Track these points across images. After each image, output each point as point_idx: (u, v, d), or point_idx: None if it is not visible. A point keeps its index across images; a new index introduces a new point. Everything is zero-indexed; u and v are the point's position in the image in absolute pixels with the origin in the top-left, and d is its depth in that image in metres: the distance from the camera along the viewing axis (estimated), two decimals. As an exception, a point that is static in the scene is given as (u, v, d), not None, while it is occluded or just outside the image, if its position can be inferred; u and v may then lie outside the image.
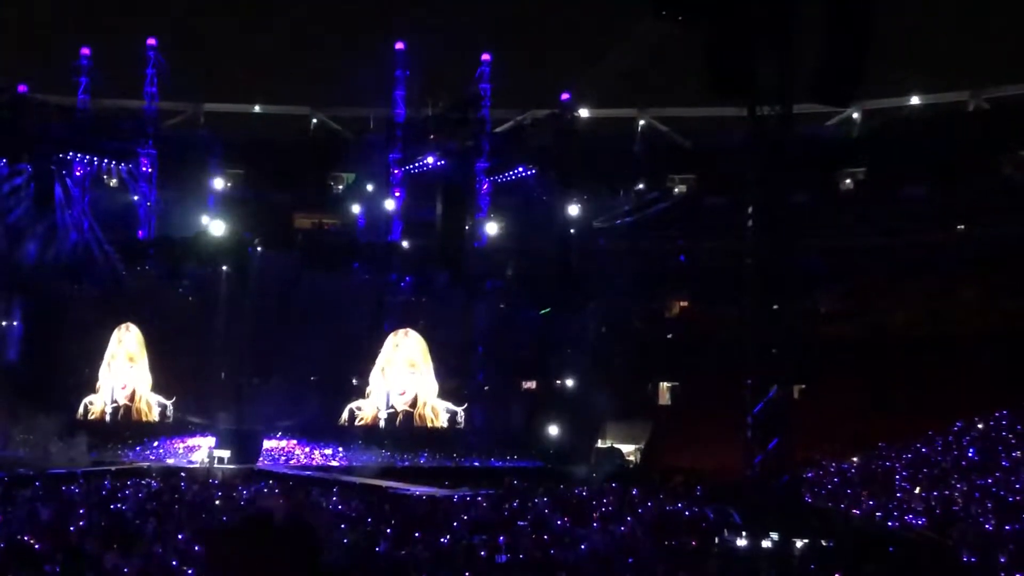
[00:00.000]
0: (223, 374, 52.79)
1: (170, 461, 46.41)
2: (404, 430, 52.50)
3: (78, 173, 58.64)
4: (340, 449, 49.55)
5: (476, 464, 47.84)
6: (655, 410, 53.32)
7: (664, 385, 56.09)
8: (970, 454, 34.09)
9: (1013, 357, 40.87)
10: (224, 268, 55.36)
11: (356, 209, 62.07)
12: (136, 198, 59.77)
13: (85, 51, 59.77)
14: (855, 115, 62.75)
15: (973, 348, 42.59)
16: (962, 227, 54.45)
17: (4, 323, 53.52)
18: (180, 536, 22.64)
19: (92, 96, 60.31)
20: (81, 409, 53.81)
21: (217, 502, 30.48)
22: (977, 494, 28.81)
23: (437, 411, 53.15)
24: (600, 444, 50.90)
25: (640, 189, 63.20)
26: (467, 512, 30.21)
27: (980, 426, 36.80)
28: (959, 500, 28.91)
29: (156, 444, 49.88)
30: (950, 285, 49.54)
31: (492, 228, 61.95)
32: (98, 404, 54.32)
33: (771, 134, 25.68)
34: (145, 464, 45.00)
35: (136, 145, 59.09)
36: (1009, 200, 52.56)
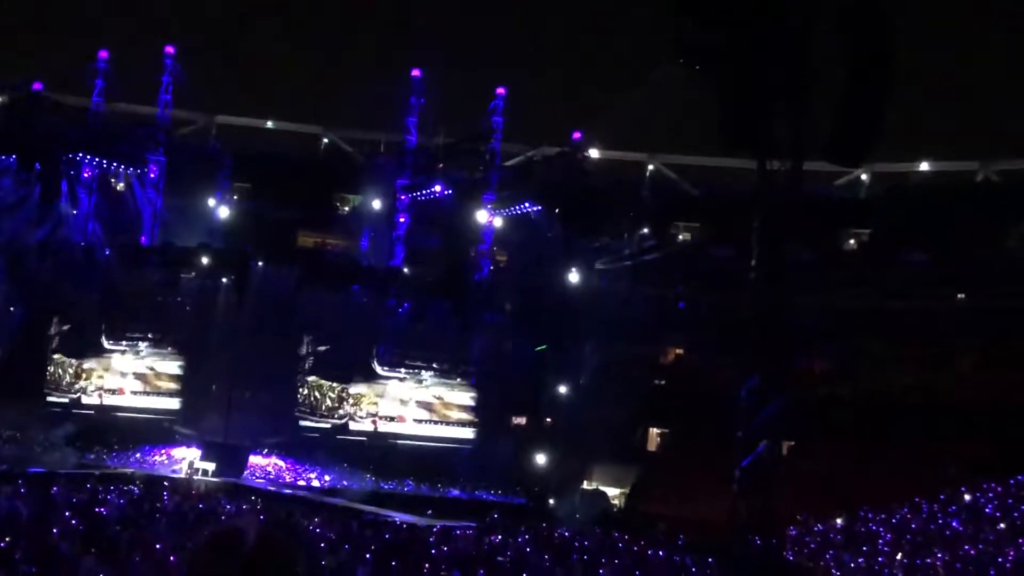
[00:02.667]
0: (214, 386, 52.70)
1: (155, 468, 46.28)
2: (391, 454, 52.45)
3: (86, 175, 58.71)
4: (325, 471, 49.39)
5: (460, 496, 47.71)
6: (643, 455, 53.22)
7: (654, 431, 56.02)
8: (954, 524, 34.01)
9: (1006, 429, 40.84)
10: (224, 280, 55.44)
11: (360, 232, 62.12)
12: (142, 204, 59.81)
13: (103, 54, 59.92)
14: (864, 177, 62.90)
15: (966, 418, 42.57)
16: (962, 296, 54.50)
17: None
18: (158, 547, 22.56)
19: (106, 99, 60.48)
20: (67, 409, 53.52)
21: (197, 516, 30.35)
22: (959, 565, 28.73)
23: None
24: (586, 485, 50.80)
25: (644, 234, 63.32)
26: (447, 543, 30.11)
27: (967, 497, 36.73)
28: (940, 570, 28.83)
29: (141, 451, 49.65)
30: (947, 353, 49.56)
31: (494, 261, 62.02)
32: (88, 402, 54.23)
33: (779, 189, 25.79)
34: (129, 470, 44.86)
35: (146, 151, 59.19)
36: (1011, 273, 52.61)
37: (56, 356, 54.16)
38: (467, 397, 54.80)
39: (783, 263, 26.51)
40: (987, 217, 54.68)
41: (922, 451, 40.78)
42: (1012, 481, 36.52)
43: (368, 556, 25.04)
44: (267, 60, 79.64)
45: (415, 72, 61.09)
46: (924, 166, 63.20)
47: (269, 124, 68.43)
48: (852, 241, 61.61)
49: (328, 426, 54.20)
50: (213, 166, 60.05)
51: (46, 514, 26.38)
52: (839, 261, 58.60)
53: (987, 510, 34.86)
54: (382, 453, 52.47)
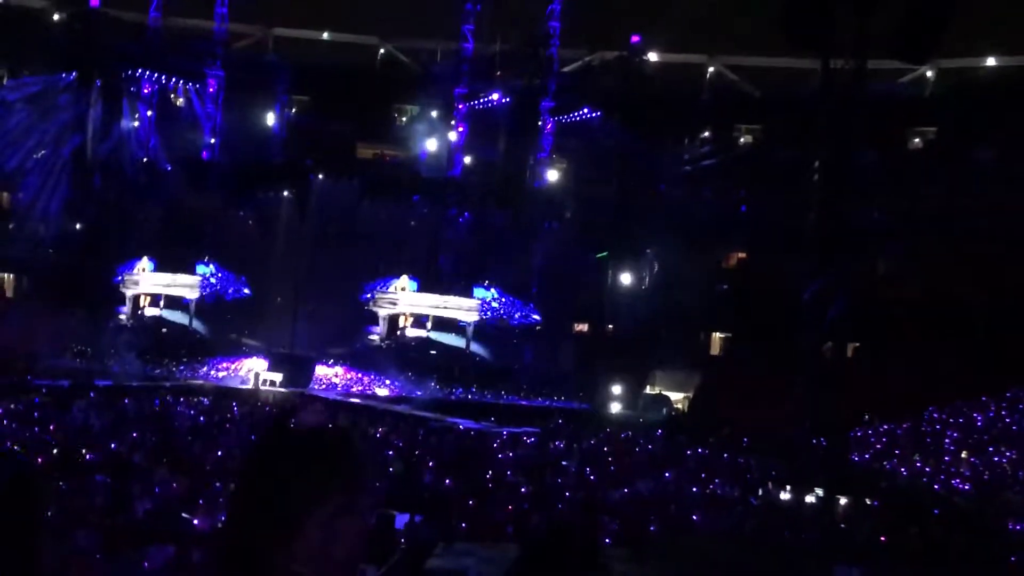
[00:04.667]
0: (279, 299, 53.28)
1: (224, 380, 47.07)
2: (454, 362, 53.05)
3: (146, 91, 59.02)
4: (390, 379, 49.90)
5: (524, 403, 48.05)
6: (706, 360, 53.20)
7: (716, 335, 55.93)
8: (1021, 422, 33.78)
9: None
10: (285, 193, 55.78)
11: (418, 142, 62.02)
12: (202, 119, 60.06)
13: (158, -31, 59.91)
14: (929, 74, 61.59)
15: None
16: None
17: (64, 231, 54.13)
18: (228, 454, 22.98)
19: (163, 15, 60.54)
20: (135, 323, 54.40)
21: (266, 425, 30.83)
22: (1027, 463, 28.59)
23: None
24: (649, 390, 50.96)
25: (704, 137, 62.60)
26: (513, 450, 30.43)
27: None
28: (1007, 467, 28.70)
29: (209, 363, 50.44)
30: (1014, 251, 48.78)
31: (554, 169, 61.76)
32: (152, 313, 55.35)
33: (843, 88, 25.28)
34: (199, 382, 45.65)
35: (204, 66, 59.31)
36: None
37: (123, 274, 55.03)
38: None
39: (848, 164, 26.08)
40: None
41: (987, 350, 40.39)
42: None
43: (434, 463, 25.37)
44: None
45: (471, -22, 60.41)
46: (991, 61, 61.71)
47: (325, 36, 68.11)
48: (918, 140, 60.50)
49: (388, 335, 55.08)
50: (271, 79, 60.04)
51: (118, 426, 26.96)
52: (905, 160, 57.62)
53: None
54: (446, 360, 52.94)
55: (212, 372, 49.25)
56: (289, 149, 60.42)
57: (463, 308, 55.09)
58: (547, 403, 48.16)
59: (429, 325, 55.46)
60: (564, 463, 28.02)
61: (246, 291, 54.51)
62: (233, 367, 49.70)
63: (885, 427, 36.91)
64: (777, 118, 56.69)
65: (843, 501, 23.94)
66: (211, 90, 59.55)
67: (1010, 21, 61.32)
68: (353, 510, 2.46)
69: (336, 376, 50.26)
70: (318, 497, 2.41)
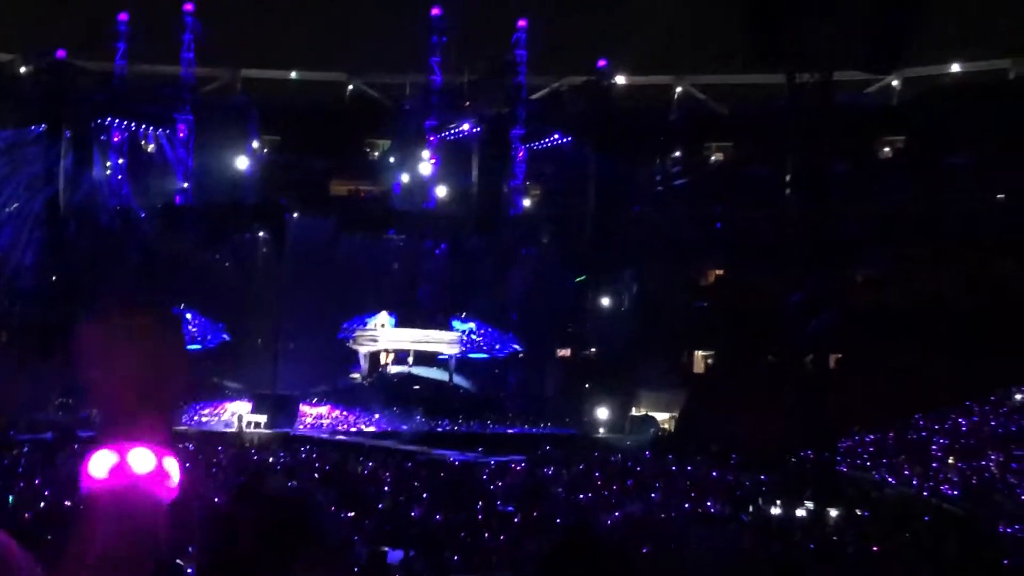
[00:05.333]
0: (259, 340, 53.09)
1: (207, 424, 46.79)
2: (438, 395, 52.89)
3: (116, 139, 58.95)
4: (375, 415, 49.73)
5: (510, 431, 47.94)
6: (690, 378, 53.26)
7: (699, 354, 56.01)
8: (1008, 425, 33.89)
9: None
10: (260, 234, 55.71)
11: (392, 176, 62.09)
12: (173, 164, 59.98)
13: (122, 16, 59.90)
14: (895, 83, 62.09)
15: (1012, 318, 42.20)
16: (1002, 196, 53.90)
17: (40, 282, 53.80)
18: (216, 500, 22.85)
19: (129, 62, 60.53)
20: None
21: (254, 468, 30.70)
22: (1014, 464, 28.66)
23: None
24: (634, 412, 50.97)
25: (676, 157, 62.88)
26: (502, 479, 30.35)
27: (1018, 396, 36.57)
28: (995, 471, 28.78)
29: (192, 408, 50.07)
30: (989, 255, 49.08)
31: (528, 196, 61.90)
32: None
33: (810, 101, 25.48)
34: (182, 427, 45.37)
35: (173, 111, 59.30)
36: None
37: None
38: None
39: (819, 175, 26.24)
40: (1021, 114, 53.82)
41: (971, 354, 40.54)
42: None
43: (424, 496, 25.28)
44: (287, 9, 79.26)
45: (435, 11, 60.67)
46: (955, 67, 62.28)
47: (293, 75, 68.31)
48: (887, 148, 60.91)
49: (370, 372, 55.06)
50: (241, 121, 60.04)
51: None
52: (876, 169, 58.00)
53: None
54: (430, 393, 52.81)
55: (195, 417, 48.91)
56: (263, 189, 60.39)
57: (444, 341, 55.05)
58: (534, 430, 48.07)
59: (411, 360, 55.36)
60: (554, 489, 27.97)
61: (225, 337, 54.28)
62: (216, 411, 49.40)
63: (871, 436, 36.98)
64: (747, 134, 57.04)
65: (833, 513, 23.97)
66: (181, 135, 59.53)
67: (972, 27, 61.99)
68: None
69: (321, 414, 50.04)
70: (282, 567, 2.38)
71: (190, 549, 17.06)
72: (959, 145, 54.50)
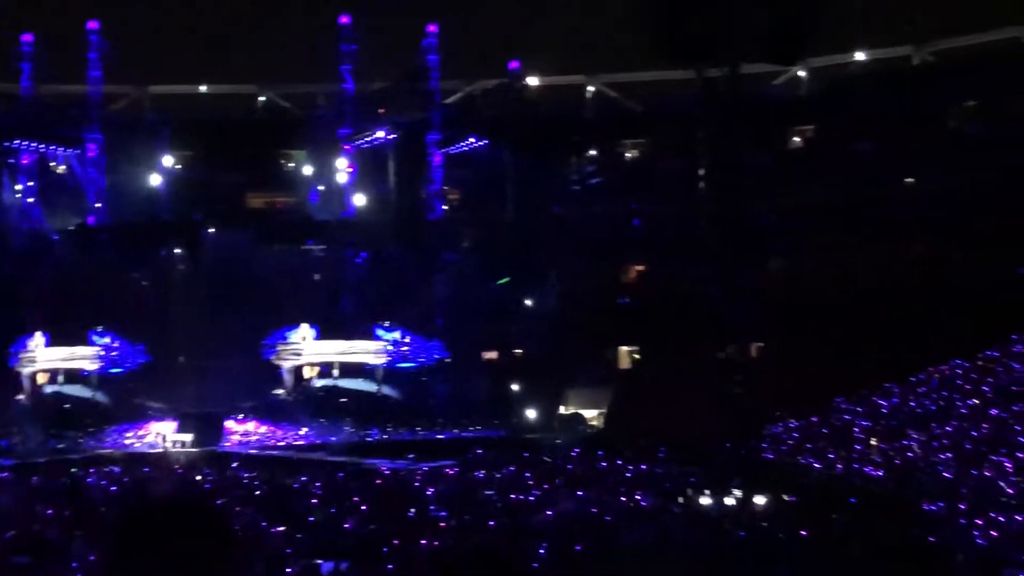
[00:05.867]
0: (181, 358, 52.50)
1: (132, 446, 46.19)
2: (366, 405, 52.65)
3: (25, 161, 57.97)
4: (305, 427, 49.42)
5: (440, 437, 47.90)
6: (616, 375, 53.56)
7: (624, 349, 56.35)
8: (927, 404, 34.53)
9: (965, 308, 41.33)
10: (177, 250, 55.08)
11: (308, 187, 61.71)
12: (84, 184, 59.11)
13: (27, 37, 58.88)
14: (802, 73, 62.96)
15: (927, 301, 43.02)
16: (911, 181, 54.91)
17: None
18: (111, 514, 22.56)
19: (35, 83, 59.50)
20: (35, 399, 53.11)
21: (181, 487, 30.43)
22: (935, 443, 29.22)
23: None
24: (563, 411, 51.15)
25: (592, 156, 63.23)
26: (434, 485, 30.34)
27: (936, 377, 37.28)
28: (918, 451, 29.32)
29: (116, 430, 49.40)
30: (902, 239, 49.98)
31: (447, 200, 61.85)
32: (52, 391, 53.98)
33: (721, 95, 25.80)
34: (107, 451, 44.75)
35: (82, 131, 58.42)
36: (956, 152, 52.98)
37: (18, 352, 53.70)
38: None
39: (732, 168, 26.59)
40: (927, 99, 54.91)
41: (888, 337, 41.26)
42: (979, 356, 37.08)
43: (356, 507, 25.21)
44: (193, 24, 78.39)
45: (344, 19, 60.40)
46: (860, 56, 63.30)
47: (203, 88, 67.55)
48: (798, 139, 61.74)
49: (294, 384, 54.63)
50: (152, 137, 59.30)
51: (31, 504, 26.37)
52: (788, 160, 58.80)
53: (958, 384, 35.40)
54: (358, 405, 52.58)
55: (119, 439, 48.26)
56: (177, 206, 59.70)
57: (370, 351, 54.70)
58: (464, 434, 48.05)
59: (336, 372, 54.94)
60: (486, 492, 28.02)
61: (145, 358, 53.50)
62: (140, 432, 48.75)
63: (795, 423, 37.47)
64: (660, 130, 57.56)
65: (761, 500, 24.29)
66: (91, 154, 58.66)
67: (875, 16, 63.05)
68: None
69: (248, 431, 49.61)
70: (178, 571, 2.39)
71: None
72: (867, 133, 55.46)
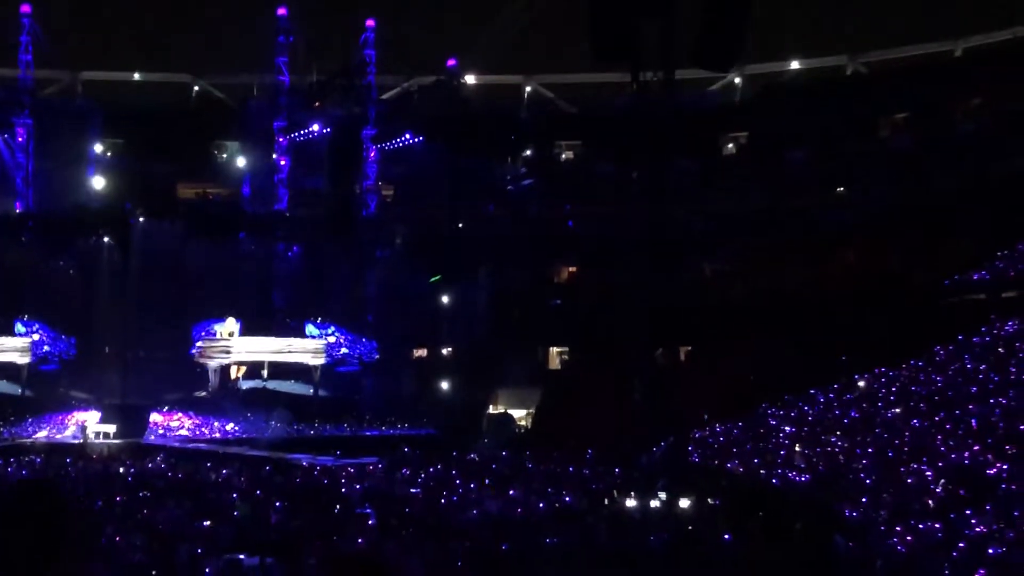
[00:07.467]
0: (107, 348, 51.84)
1: (56, 436, 45.48)
2: (299, 400, 52.18)
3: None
4: (232, 421, 48.96)
5: (369, 433, 47.72)
6: (545, 375, 53.68)
7: (554, 350, 56.50)
8: (851, 412, 34.94)
9: (892, 317, 41.88)
10: (106, 240, 54.38)
11: (241, 178, 61.14)
12: (12, 170, 58.12)
13: (-45, 19, 57.82)
14: (736, 80, 63.53)
15: (854, 309, 43.51)
16: (842, 190, 55.63)
17: None
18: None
19: (-37, 66, 58.49)
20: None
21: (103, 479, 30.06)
22: (858, 450, 29.56)
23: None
24: (492, 410, 51.19)
25: (526, 156, 63.32)
26: (360, 482, 30.24)
27: (861, 384, 37.71)
28: (841, 457, 29.65)
29: (37, 420, 48.62)
30: (831, 248, 50.55)
31: (380, 196, 61.61)
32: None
33: (654, 100, 25.95)
34: (28, 441, 44.04)
35: (11, 115, 57.45)
36: (887, 162, 53.75)
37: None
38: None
39: (665, 172, 26.75)
40: (860, 110, 55.68)
41: (815, 344, 41.70)
42: (904, 366, 37.57)
43: (280, 502, 25.05)
44: (127, 10, 77.49)
45: (281, 11, 59.97)
46: (794, 64, 64.02)
47: (136, 76, 66.74)
48: (731, 145, 62.26)
49: (222, 377, 54.01)
50: (83, 124, 58.43)
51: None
52: (719, 166, 59.30)
53: (882, 393, 35.85)
54: (285, 399, 52.15)
55: (39, 429, 47.46)
56: (107, 194, 58.92)
57: (308, 351, 53.85)
58: (392, 432, 47.92)
59: (265, 374, 54.01)
60: (412, 491, 27.97)
61: (71, 351, 52.68)
62: (62, 420, 47.97)
63: (720, 427, 37.75)
64: (595, 132, 57.75)
65: (686, 503, 24.46)
66: (20, 139, 57.70)
67: (810, 25, 63.81)
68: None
69: (175, 423, 49.06)
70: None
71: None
72: (800, 140, 56.11)
